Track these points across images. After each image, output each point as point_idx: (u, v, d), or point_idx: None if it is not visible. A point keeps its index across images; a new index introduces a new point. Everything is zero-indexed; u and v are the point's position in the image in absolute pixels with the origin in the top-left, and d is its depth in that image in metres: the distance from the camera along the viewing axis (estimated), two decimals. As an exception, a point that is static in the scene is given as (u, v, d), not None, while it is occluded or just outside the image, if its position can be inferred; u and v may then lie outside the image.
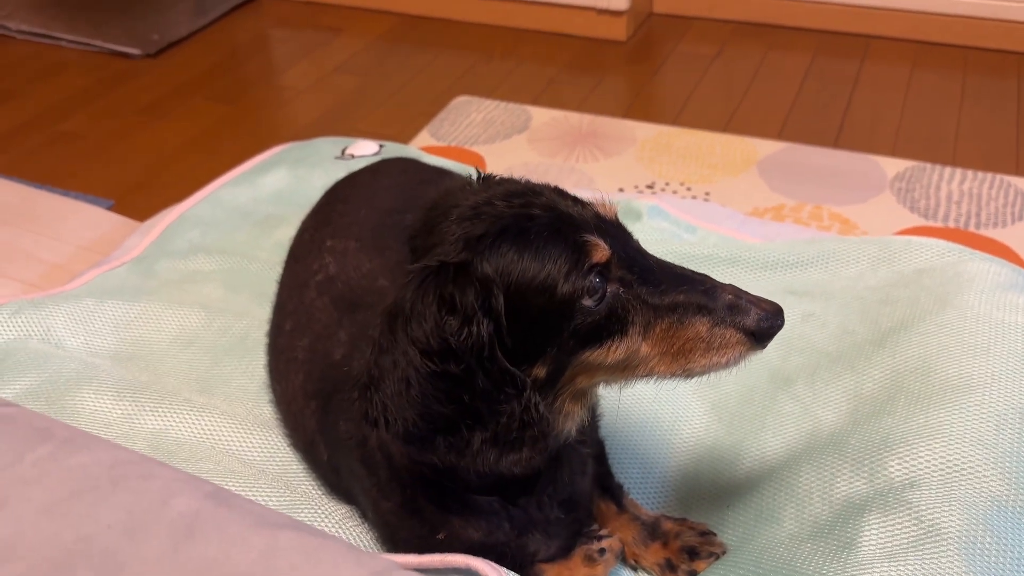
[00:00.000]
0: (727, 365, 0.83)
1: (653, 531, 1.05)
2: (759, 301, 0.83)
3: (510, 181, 0.89)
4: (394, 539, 0.99)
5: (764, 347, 0.84)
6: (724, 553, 1.03)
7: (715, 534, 1.05)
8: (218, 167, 1.98)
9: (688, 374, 0.84)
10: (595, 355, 0.82)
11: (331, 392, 1.04)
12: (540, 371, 0.82)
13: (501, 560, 0.90)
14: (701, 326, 0.82)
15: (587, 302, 0.79)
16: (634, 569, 1.06)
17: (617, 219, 0.88)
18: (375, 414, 0.80)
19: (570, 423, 0.88)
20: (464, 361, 0.78)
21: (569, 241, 0.80)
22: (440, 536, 0.92)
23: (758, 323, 0.82)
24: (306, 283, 1.19)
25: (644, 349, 0.83)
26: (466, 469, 0.83)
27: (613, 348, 0.82)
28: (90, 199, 2.14)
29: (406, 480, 0.92)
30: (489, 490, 0.92)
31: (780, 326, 0.83)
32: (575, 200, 0.86)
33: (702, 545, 1.03)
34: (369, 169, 1.44)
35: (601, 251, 0.80)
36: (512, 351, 0.80)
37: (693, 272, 0.85)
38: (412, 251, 0.88)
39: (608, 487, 1.08)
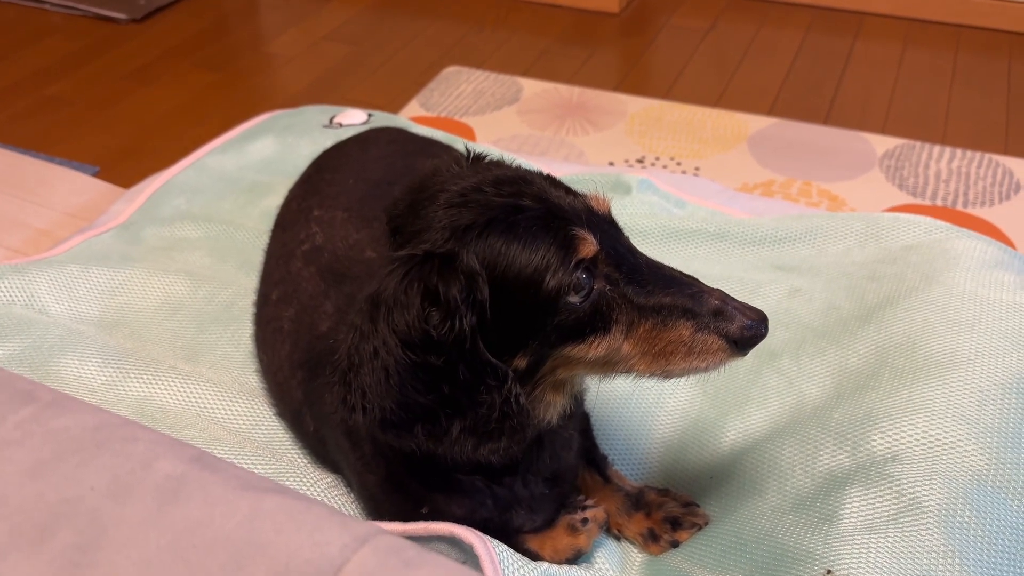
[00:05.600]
0: (707, 370, 0.83)
1: (636, 502, 1.06)
2: (744, 309, 0.83)
3: (500, 166, 0.88)
4: (379, 511, 0.99)
5: (745, 354, 0.83)
6: (706, 524, 1.04)
7: (698, 505, 1.06)
8: (205, 135, 1.97)
9: (667, 375, 0.84)
10: (576, 350, 0.82)
11: (317, 364, 1.03)
12: (520, 362, 0.82)
13: (484, 532, 0.90)
14: (684, 330, 0.81)
15: (572, 298, 0.79)
16: (617, 539, 1.07)
17: (610, 214, 0.86)
18: (353, 400, 0.80)
19: (551, 412, 0.89)
20: (445, 353, 0.77)
21: (558, 234, 0.79)
22: (423, 511, 0.92)
23: (741, 331, 0.82)
24: (292, 253, 1.18)
25: (626, 348, 0.82)
26: (444, 455, 0.83)
27: (595, 344, 0.82)
28: (75, 165, 2.12)
29: (390, 456, 0.92)
30: (472, 470, 0.92)
31: (763, 335, 0.83)
32: (567, 190, 0.85)
33: (684, 516, 1.04)
34: (357, 138, 1.43)
35: (589, 246, 0.79)
36: (494, 342, 0.80)
37: (682, 274, 0.85)
38: (393, 231, 0.87)
39: (593, 459, 1.08)
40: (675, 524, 1.04)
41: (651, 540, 1.04)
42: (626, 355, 0.83)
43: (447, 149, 1.45)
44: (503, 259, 0.78)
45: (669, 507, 1.05)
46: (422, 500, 0.93)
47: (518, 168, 0.87)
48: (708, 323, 0.81)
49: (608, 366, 0.84)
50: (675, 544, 1.03)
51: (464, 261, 0.77)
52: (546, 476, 0.97)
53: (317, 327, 1.06)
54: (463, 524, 0.90)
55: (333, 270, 1.11)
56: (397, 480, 0.94)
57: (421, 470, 0.92)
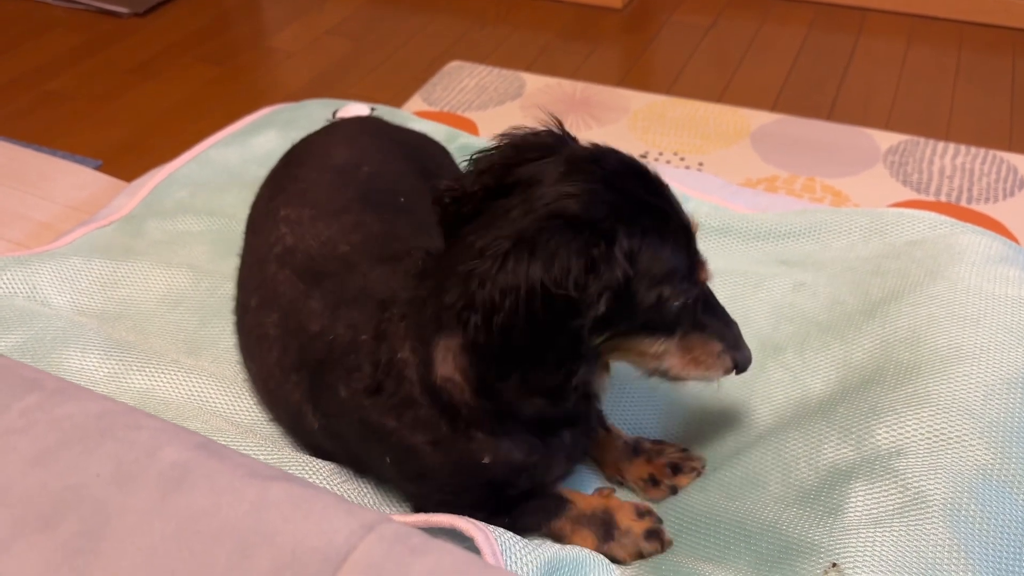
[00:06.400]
0: (710, 379, 0.98)
1: (635, 449, 1.11)
2: (746, 345, 0.99)
3: (622, 156, 0.93)
4: (424, 473, 0.99)
5: (731, 375, 0.98)
6: (703, 468, 1.09)
7: (690, 451, 1.11)
8: (207, 129, 1.96)
9: (683, 379, 0.96)
10: (643, 342, 0.91)
11: (322, 362, 1.03)
12: (597, 341, 0.88)
13: (532, 477, 0.98)
14: (716, 346, 0.95)
15: (674, 305, 0.89)
16: (620, 484, 1.11)
17: None
18: (468, 316, 0.82)
19: (601, 386, 0.98)
20: (563, 320, 0.81)
21: (690, 252, 0.91)
22: (486, 460, 0.95)
23: (744, 360, 0.97)
24: (265, 257, 1.16)
25: (673, 348, 0.93)
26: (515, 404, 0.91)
27: (659, 342, 0.92)
28: (78, 159, 2.12)
29: (460, 412, 0.94)
30: (531, 424, 0.97)
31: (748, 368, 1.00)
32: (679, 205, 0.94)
33: (683, 461, 1.09)
34: (325, 128, 1.41)
35: (707, 272, 0.94)
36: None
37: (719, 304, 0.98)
38: (478, 172, 0.90)
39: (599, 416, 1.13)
40: (675, 469, 1.09)
41: (651, 485, 1.08)
42: (669, 353, 0.93)
43: (422, 137, 1.47)
44: (648, 259, 0.85)
45: (669, 452, 1.10)
46: (486, 449, 0.95)
47: (639, 162, 0.94)
48: (729, 347, 0.96)
49: (650, 358, 0.94)
50: (674, 490, 1.07)
51: (624, 246, 0.82)
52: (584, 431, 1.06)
53: (307, 328, 1.05)
54: (520, 467, 0.96)
55: (309, 270, 1.10)
56: (461, 435, 0.95)
57: (491, 423, 0.95)
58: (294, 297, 1.09)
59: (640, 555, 1.01)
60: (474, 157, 0.94)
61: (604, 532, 1.01)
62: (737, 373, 0.98)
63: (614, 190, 0.86)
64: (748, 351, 0.98)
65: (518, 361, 0.85)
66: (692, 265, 0.91)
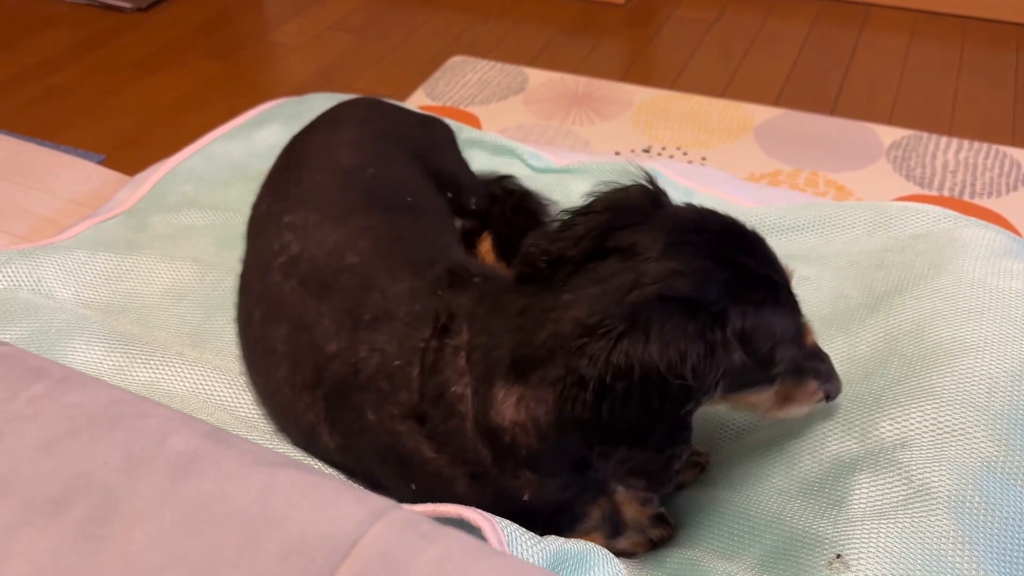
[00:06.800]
0: (801, 416, 0.98)
1: None
2: (835, 372, 0.97)
3: (722, 219, 0.91)
4: (448, 496, 0.95)
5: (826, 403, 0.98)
6: (707, 464, 1.07)
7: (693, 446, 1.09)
8: (210, 123, 1.96)
9: (775, 418, 0.95)
10: (741, 395, 0.90)
11: (343, 383, 0.99)
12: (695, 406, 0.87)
13: (556, 511, 0.95)
14: (812, 386, 0.94)
15: (779, 369, 0.88)
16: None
17: None
18: (577, 395, 0.81)
19: None
20: (673, 403, 0.80)
21: (796, 317, 0.90)
22: (525, 497, 0.92)
23: (836, 391, 0.97)
24: (269, 265, 1.12)
25: (771, 395, 0.92)
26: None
27: (758, 394, 0.91)
28: (81, 153, 2.12)
29: (519, 453, 0.90)
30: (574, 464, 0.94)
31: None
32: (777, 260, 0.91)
33: None
34: (326, 119, 1.36)
35: (812, 337, 0.93)
36: None
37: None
38: (576, 239, 0.87)
39: None
40: None
41: None
42: (766, 399, 0.92)
43: (426, 120, 1.44)
44: (760, 336, 0.84)
45: None
46: (527, 487, 0.92)
47: (737, 222, 0.91)
48: (824, 382, 0.95)
49: (745, 405, 0.93)
50: (678, 487, 1.05)
51: (736, 327, 0.82)
52: None
53: (323, 348, 1.01)
54: (551, 504, 0.94)
55: (317, 282, 1.06)
56: (511, 470, 0.91)
57: (545, 466, 0.91)
58: (303, 311, 1.05)
59: (649, 543, 1.01)
60: (569, 219, 0.90)
61: (612, 530, 1.00)
62: (827, 402, 0.97)
63: (723, 265, 0.84)
64: (839, 380, 0.97)
65: (620, 441, 0.83)
66: (799, 331, 0.90)
